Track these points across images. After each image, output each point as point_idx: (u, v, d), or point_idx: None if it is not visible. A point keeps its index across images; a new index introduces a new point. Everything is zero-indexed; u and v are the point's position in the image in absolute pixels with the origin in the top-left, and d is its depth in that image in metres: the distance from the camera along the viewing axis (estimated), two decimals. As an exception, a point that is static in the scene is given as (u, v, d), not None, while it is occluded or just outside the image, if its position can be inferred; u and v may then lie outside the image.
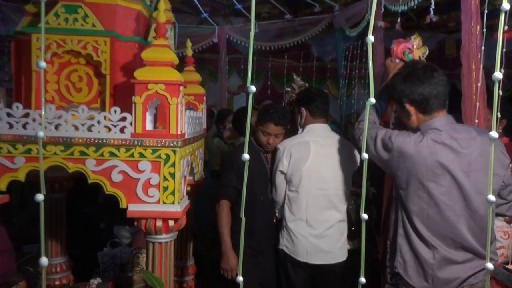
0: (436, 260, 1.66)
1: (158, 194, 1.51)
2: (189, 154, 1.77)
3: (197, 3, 4.73)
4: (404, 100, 1.73)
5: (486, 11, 2.09)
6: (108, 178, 1.50)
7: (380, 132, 1.79)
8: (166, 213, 1.51)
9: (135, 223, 1.54)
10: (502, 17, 0.49)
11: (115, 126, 1.49)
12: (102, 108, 1.65)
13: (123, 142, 1.49)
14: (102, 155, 1.49)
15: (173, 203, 1.52)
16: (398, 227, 1.76)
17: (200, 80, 2.32)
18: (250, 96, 0.53)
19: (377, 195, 2.53)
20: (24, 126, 1.47)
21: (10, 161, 1.48)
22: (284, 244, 2.32)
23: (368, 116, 1.92)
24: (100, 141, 1.48)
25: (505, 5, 0.49)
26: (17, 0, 4.14)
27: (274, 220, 2.45)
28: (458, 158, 1.62)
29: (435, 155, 1.62)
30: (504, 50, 2.29)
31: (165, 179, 1.51)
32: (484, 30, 2.08)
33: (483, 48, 2.05)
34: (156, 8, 1.58)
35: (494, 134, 0.52)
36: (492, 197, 0.56)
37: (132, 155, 1.50)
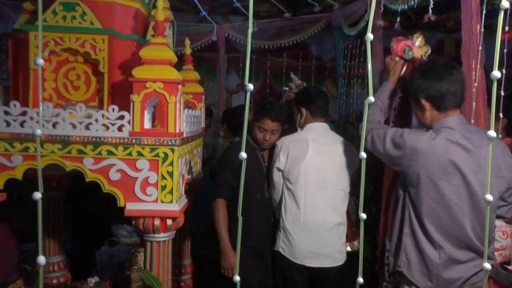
0: (442, 260, 1.67)
1: (156, 193, 1.51)
2: (188, 153, 1.77)
3: (196, 1, 4.71)
4: (420, 95, 1.73)
5: (484, 11, 2.08)
6: (106, 176, 1.49)
7: (389, 131, 1.79)
8: (164, 212, 1.51)
9: (133, 222, 1.54)
10: (501, 15, 0.49)
11: (113, 124, 1.49)
12: (100, 107, 1.65)
13: (121, 141, 1.48)
14: (100, 153, 1.49)
15: (171, 202, 1.51)
16: (404, 226, 1.75)
17: (198, 78, 2.32)
18: (248, 95, 0.52)
19: (375, 191, 2.51)
20: (21, 124, 1.46)
21: (7, 159, 1.47)
22: (281, 245, 2.27)
23: (373, 115, 1.93)
24: (98, 140, 1.48)
25: (504, 3, 0.48)
26: (15, -2, 4.12)
27: (272, 220, 2.43)
28: (470, 158, 1.63)
29: (449, 154, 1.62)
30: (505, 50, 2.29)
31: (163, 177, 1.50)
32: (482, 30, 2.07)
33: (480, 48, 2.05)
34: (154, 6, 1.58)
35: (492, 133, 0.52)
36: (489, 197, 0.56)
37: (130, 154, 1.49)
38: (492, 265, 1.84)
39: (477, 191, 1.63)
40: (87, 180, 1.50)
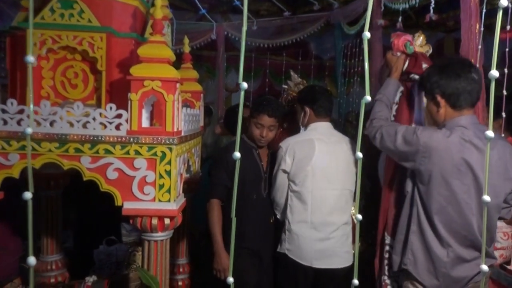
0: (450, 258, 1.67)
1: (153, 191, 1.50)
2: (186, 152, 1.76)
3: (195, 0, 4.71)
4: (436, 91, 1.72)
5: (484, 10, 2.08)
6: (104, 175, 1.49)
7: (400, 128, 1.78)
8: (161, 211, 1.50)
9: (131, 221, 1.53)
10: (499, 14, 0.48)
11: (110, 123, 1.48)
12: (98, 105, 1.64)
13: (119, 139, 1.48)
14: (97, 152, 1.48)
15: (169, 201, 1.51)
16: (411, 224, 1.75)
17: (197, 77, 2.31)
18: (242, 93, 0.52)
19: (374, 188, 2.48)
20: (18, 123, 1.46)
21: (4, 157, 1.46)
22: (286, 247, 2.20)
23: (380, 112, 1.92)
24: (95, 138, 1.47)
25: (503, 2, 0.48)
26: (14, -5, 4.11)
27: (271, 221, 2.36)
28: (482, 158, 1.63)
29: (462, 152, 1.62)
30: (507, 49, 2.28)
31: (161, 176, 1.50)
32: (482, 29, 2.07)
33: (480, 47, 2.04)
34: (153, 4, 1.57)
35: (490, 133, 0.51)
36: (487, 198, 0.56)
37: (127, 153, 1.49)
38: (491, 265, 1.84)
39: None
40: (85, 179, 1.50)
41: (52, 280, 2.24)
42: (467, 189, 1.64)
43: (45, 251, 2.26)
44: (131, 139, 1.48)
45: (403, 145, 1.73)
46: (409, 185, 1.79)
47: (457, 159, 1.62)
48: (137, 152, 1.49)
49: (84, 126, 1.48)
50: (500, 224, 2.18)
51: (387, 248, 1.96)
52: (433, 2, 2.85)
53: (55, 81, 1.65)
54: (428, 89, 1.76)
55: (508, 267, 2.21)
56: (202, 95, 2.31)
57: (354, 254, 2.33)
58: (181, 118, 1.60)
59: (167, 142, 1.48)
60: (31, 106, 0.58)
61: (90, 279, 2.08)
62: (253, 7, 5.29)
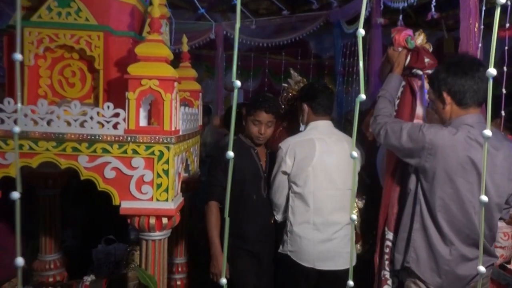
0: (453, 256, 1.67)
1: (151, 191, 1.49)
2: (184, 151, 1.76)
3: (194, -1, 4.70)
4: (442, 88, 1.72)
5: (484, 8, 2.07)
6: (101, 174, 1.48)
7: (405, 125, 1.78)
8: (159, 210, 1.50)
9: (128, 220, 1.53)
10: (497, 11, 0.48)
11: (108, 122, 1.47)
12: (96, 104, 1.63)
13: (116, 138, 1.47)
14: (94, 151, 1.48)
15: (166, 200, 1.50)
16: (414, 222, 1.75)
17: (196, 76, 2.30)
18: (235, 91, 0.51)
19: (373, 185, 2.46)
20: (15, 122, 1.45)
21: (1, 157, 1.46)
22: (288, 249, 2.16)
23: (383, 109, 1.92)
24: (92, 137, 1.47)
25: (501, -2, 0.47)
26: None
27: (272, 221, 2.32)
28: (488, 158, 1.63)
29: (467, 151, 1.62)
30: (506, 47, 2.28)
31: (159, 176, 1.49)
32: (482, 27, 2.06)
33: (480, 45, 2.04)
34: (151, 3, 1.56)
35: (487, 132, 0.50)
36: (484, 198, 0.55)
37: (125, 152, 1.48)
38: (493, 265, 1.84)
39: (490, 190, 1.64)
40: (82, 178, 1.49)
41: (51, 280, 2.24)
42: (471, 188, 1.64)
43: (44, 250, 2.26)
44: (129, 138, 1.47)
45: (408, 142, 1.73)
46: (412, 183, 1.78)
47: (463, 157, 1.62)
48: (135, 151, 1.48)
49: (82, 125, 1.47)
50: (500, 224, 2.17)
51: (387, 243, 1.95)
52: (434, 0, 2.84)
53: (52, 80, 1.64)
54: (436, 85, 1.77)
55: (508, 266, 2.21)
56: (200, 94, 2.30)
57: (356, 254, 2.30)
58: (179, 117, 1.59)
59: (165, 141, 1.48)
60: (19, 104, 0.58)
61: (88, 279, 2.07)
62: (252, 6, 5.29)
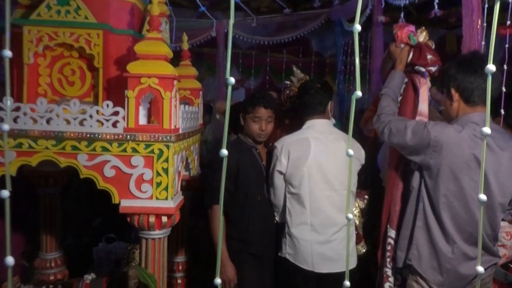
0: (455, 255, 1.67)
1: (151, 189, 1.49)
2: (184, 149, 1.75)
3: (195, -3, 4.69)
4: (451, 84, 1.72)
5: (486, 6, 2.06)
6: (100, 173, 1.48)
7: (409, 123, 1.77)
8: (159, 209, 1.50)
9: (128, 219, 1.52)
10: (496, 6, 0.47)
11: (107, 120, 1.47)
12: (95, 102, 1.63)
13: (116, 137, 1.47)
14: (94, 149, 1.47)
15: (166, 198, 1.50)
16: (417, 220, 1.74)
17: (196, 74, 2.29)
18: (229, 88, 0.50)
19: (374, 182, 2.45)
20: (14, 120, 1.45)
21: (0, 155, 1.46)
22: (287, 251, 2.12)
23: (387, 106, 1.91)
24: (92, 136, 1.46)
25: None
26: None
27: (275, 222, 2.28)
28: (493, 157, 1.63)
29: (473, 149, 1.62)
30: (507, 45, 2.26)
31: (158, 174, 1.49)
32: (485, 24, 2.05)
33: (483, 43, 2.02)
34: (150, 1, 1.56)
35: (487, 130, 0.50)
36: (483, 197, 0.54)
37: (124, 150, 1.48)
38: (495, 264, 1.83)
39: (494, 189, 1.63)
40: (81, 177, 1.49)
41: (52, 278, 2.24)
42: (475, 186, 1.63)
43: (45, 248, 2.26)
44: (128, 136, 1.47)
45: (413, 139, 1.73)
46: (415, 181, 1.78)
47: (468, 154, 1.62)
48: (134, 150, 1.48)
49: (81, 123, 1.47)
50: (503, 223, 2.16)
51: (389, 240, 1.95)
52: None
53: (52, 78, 1.64)
54: (445, 81, 1.76)
55: (511, 265, 2.20)
56: (201, 92, 2.30)
57: (357, 255, 2.26)
58: (179, 115, 1.59)
59: (164, 139, 1.47)
60: (8, 102, 0.57)
61: (89, 277, 2.07)
62: (254, 4, 5.28)
